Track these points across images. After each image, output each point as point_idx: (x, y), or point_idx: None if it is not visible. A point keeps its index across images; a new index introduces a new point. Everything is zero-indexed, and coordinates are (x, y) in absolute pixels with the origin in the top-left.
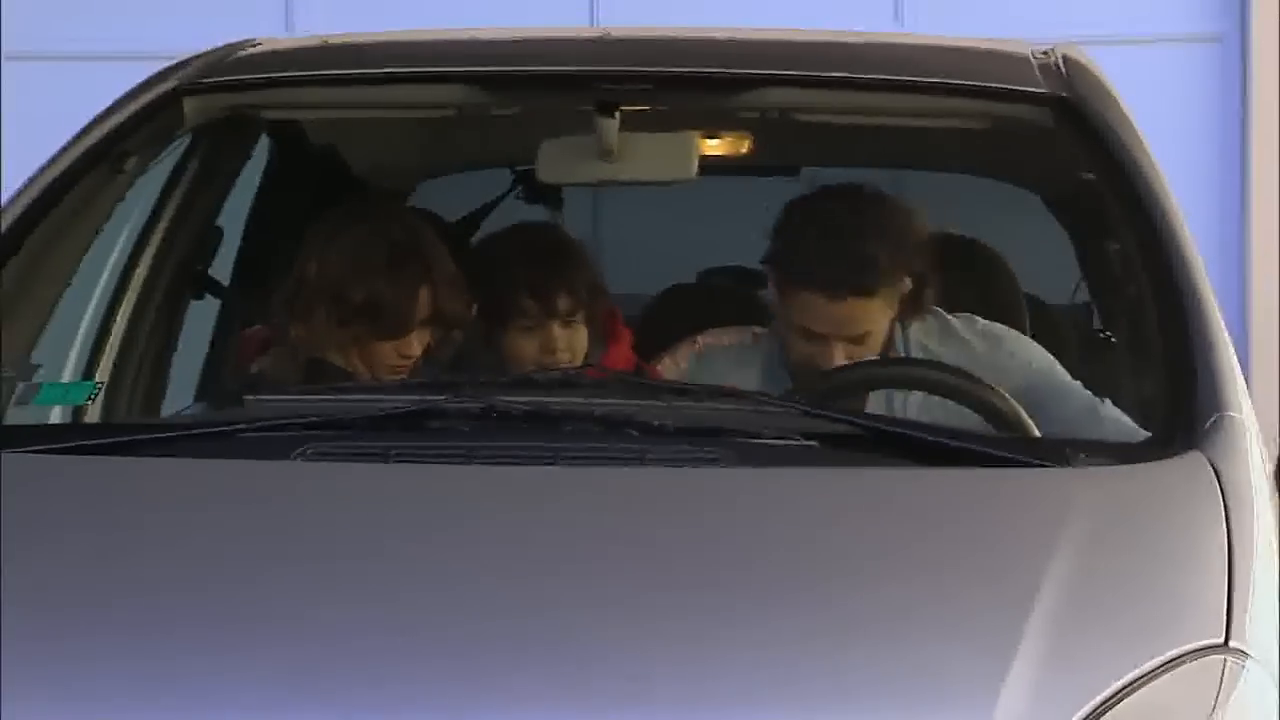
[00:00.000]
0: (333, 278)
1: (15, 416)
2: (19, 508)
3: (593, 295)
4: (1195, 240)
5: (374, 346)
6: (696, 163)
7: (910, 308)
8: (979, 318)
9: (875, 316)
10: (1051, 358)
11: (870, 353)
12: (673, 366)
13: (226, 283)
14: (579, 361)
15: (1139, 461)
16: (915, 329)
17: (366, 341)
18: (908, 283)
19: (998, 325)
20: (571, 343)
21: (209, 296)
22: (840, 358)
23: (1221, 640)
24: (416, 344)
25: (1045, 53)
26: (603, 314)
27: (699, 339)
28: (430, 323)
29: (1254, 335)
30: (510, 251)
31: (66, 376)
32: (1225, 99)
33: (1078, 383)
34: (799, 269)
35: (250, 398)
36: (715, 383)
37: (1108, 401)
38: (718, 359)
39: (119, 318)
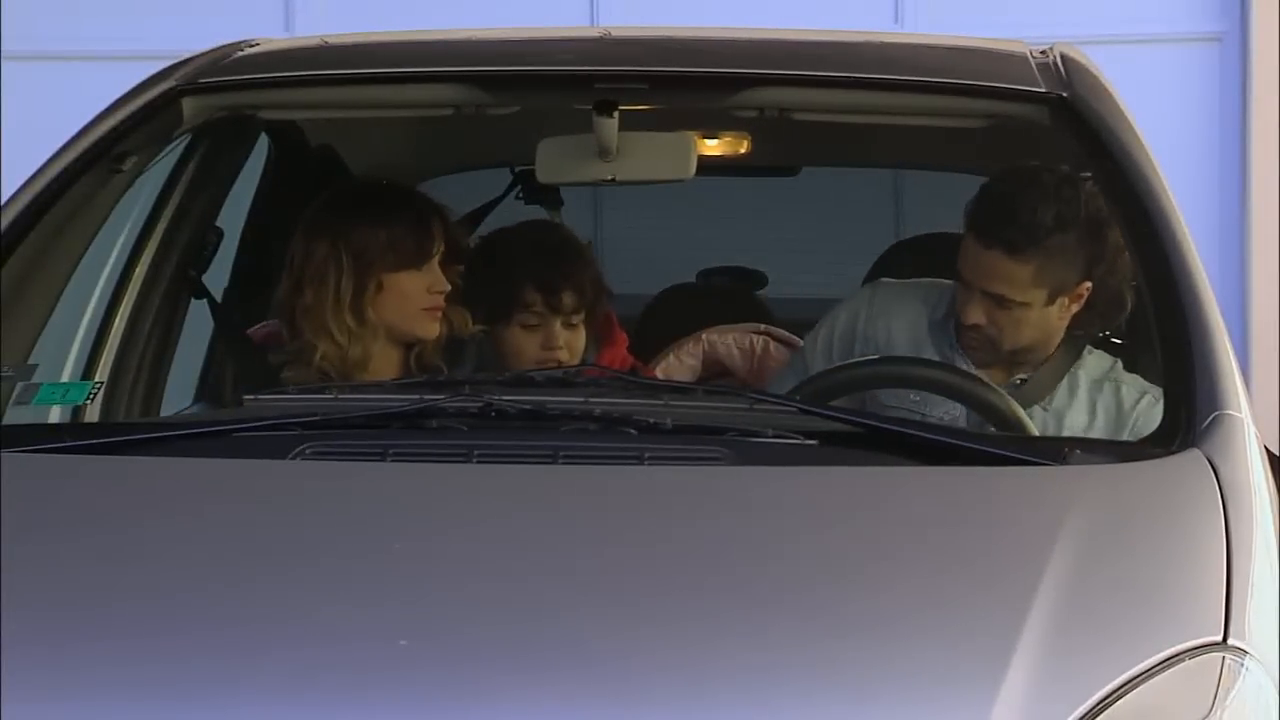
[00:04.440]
0: (336, 238)
1: (15, 416)
2: (19, 508)
3: (596, 296)
4: (1195, 240)
5: (402, 287)
6: (695, 162)
7: (1089, 320)
8: None
9: (1019, 285)
10: None
11: (1013, 330)
12: (676, 364)
13: (226, 281)
14: (576, 362)
15: (1137, 460)
16: (1091, 375)
17: (391, 273)
18: (1084, 288)
19: None
20: (571, 342)
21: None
22: (977, 313)
23: (1220, 638)
24: (442, 278)
25: (1044, 52)
26: (600, 316)
27: (703, 335)
28: (448, 261)
29: (1254, 335)
30: (519, 247)
31: (66, 376)
32: (1225, 99)
33: None
34: (968, 214)
35: (249, 397)
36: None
37: None
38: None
39: (119, 318)
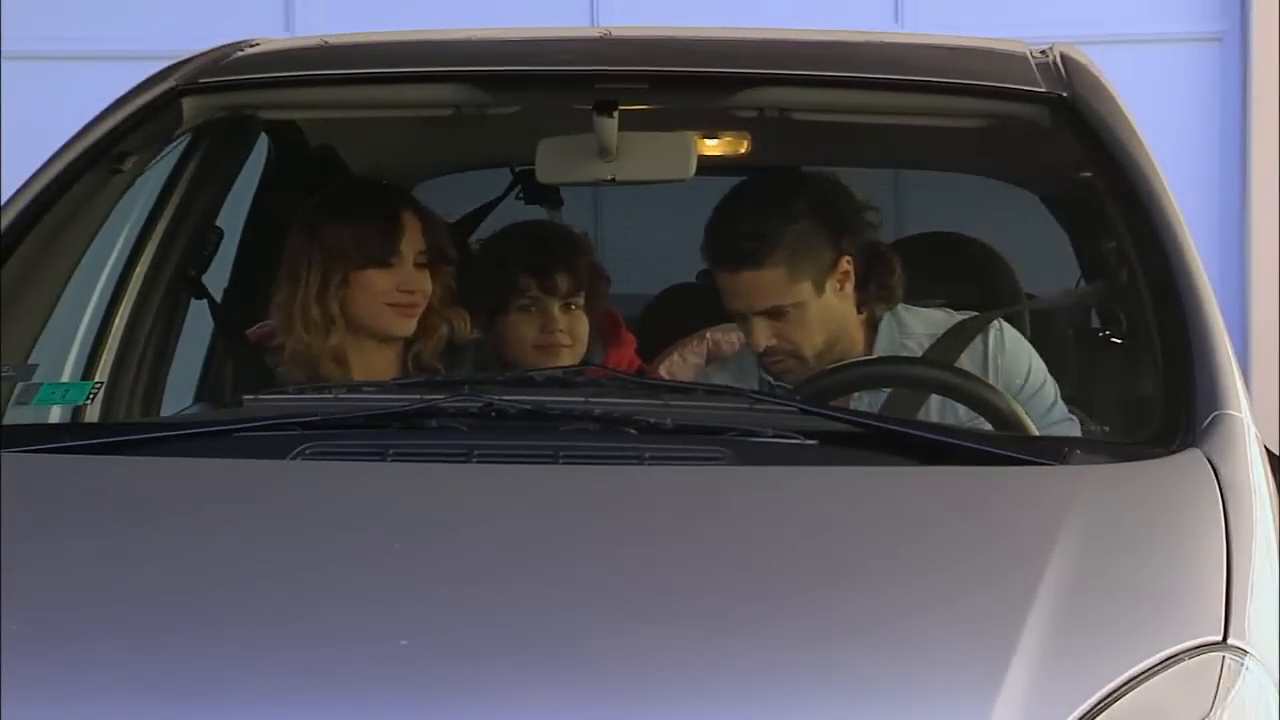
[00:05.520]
0: (310, 235)
1: (15, 416)
2: (19, 508)
3: (593, 278)
4: (1195, 240)
5: (367, 283)
6: (695, 162)
7: (874, 292)
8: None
9: (783, 289)
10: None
11: (805, 333)
12: (680, 363)
13: (226, 281)
14: (581, 348)
15: (1137, 459)
16: (891, 318)
17: (356, 270)
18: (844, 262)
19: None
20: (572, 327)
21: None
22: (764, 335)
23: (1220, 638)
24: (416, 278)
25: (1044, 52)
26: (605, 318)
27: (707, 334)
28: (427, 263)
29: (1254, 335)
30: (509, 242)
31: (66, 376)
32: (1225, 99)
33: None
34: (705, 254)
35: (249, 397)
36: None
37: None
38: (720, 372)
39: (119, 318)
